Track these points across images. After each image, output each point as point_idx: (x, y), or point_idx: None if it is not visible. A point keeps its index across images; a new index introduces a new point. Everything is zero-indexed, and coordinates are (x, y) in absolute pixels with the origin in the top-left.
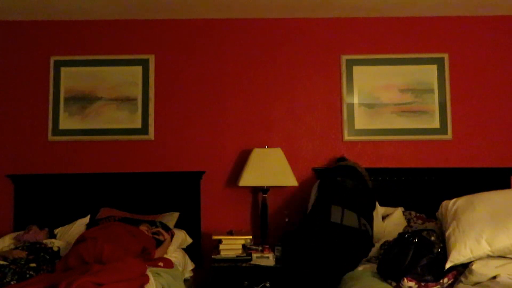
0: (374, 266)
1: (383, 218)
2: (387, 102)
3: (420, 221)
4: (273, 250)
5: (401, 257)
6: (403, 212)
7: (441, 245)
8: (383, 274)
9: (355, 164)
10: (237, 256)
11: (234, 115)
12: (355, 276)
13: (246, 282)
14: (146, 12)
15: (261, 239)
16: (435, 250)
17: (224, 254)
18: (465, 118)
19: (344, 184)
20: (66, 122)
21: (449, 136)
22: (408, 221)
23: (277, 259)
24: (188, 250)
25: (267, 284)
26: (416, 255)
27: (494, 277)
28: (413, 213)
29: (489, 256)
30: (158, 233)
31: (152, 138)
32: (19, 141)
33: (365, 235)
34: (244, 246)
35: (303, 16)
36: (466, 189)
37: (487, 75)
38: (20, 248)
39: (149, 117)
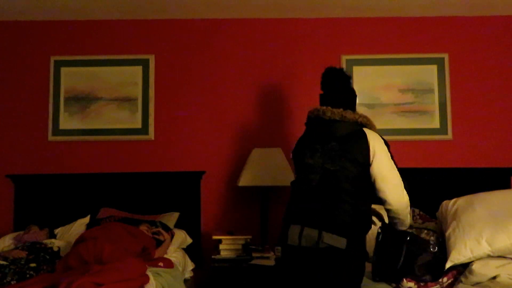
0: None
1: None
2: (387, 102)
3: (420, 221)
4: (273, 250)
5: (395, 258)
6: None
7: (438, 244)
8: (380, 276)
9: None
10: (237, 256)
11: (234, 115)
12: None
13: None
14: (146, 12)
15: (261, 239)
16: (430, 249)
17: (224, 254)
18: (465, 118)
19: None
20: (66, 122)
21: (449, 136)
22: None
23: (276, 259)
24: (188, 250)
25: None
26: (410, 254)
27: (494, 277)
28: (416, 210)
29: (489, 256)
30: (158, 233)
31: (152, 138)
32: (19, 141)
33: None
34: (244, 246)
35: (303, 16)
36: (466, 189)
37: (487, 75)
38: (20, 248)
39: (149, 117)
